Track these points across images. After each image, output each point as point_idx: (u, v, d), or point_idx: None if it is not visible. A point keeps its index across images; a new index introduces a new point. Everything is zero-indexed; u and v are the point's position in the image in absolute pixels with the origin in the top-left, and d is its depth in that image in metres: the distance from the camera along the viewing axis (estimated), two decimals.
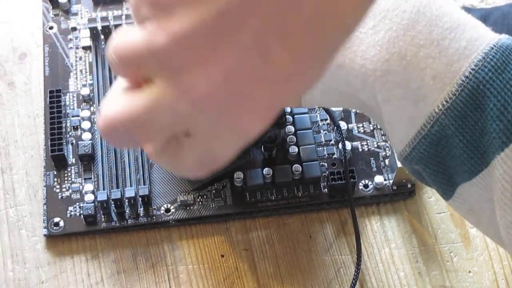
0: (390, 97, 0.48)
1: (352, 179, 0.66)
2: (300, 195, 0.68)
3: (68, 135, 0.70)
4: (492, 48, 0.46)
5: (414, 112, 0.47)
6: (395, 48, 0.47)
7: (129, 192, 0.66)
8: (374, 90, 0.49)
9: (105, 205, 0.66)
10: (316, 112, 0.71)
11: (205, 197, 0.67)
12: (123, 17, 0.76)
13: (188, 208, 0.67)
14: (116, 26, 0.74)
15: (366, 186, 0.68)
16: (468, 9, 0.99)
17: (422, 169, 0.49)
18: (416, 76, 0.47)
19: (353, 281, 0.65)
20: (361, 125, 0.71)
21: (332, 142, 0.70)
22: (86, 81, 0.73)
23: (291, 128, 0.70)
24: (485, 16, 0.96)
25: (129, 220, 0.66)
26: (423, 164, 0.49)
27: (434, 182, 0.50)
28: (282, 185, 0.68)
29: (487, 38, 0.47)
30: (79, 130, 0.70)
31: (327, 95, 0.52)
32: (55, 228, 0.66)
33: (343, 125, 0.70)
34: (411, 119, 0.48)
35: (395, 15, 0.47)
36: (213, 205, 0.67)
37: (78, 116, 0.71)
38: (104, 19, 0.75)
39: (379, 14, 0.48)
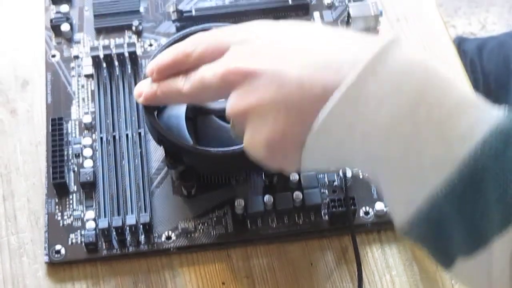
0: (390, 178, 0.50)
1: (352, 206, 0.67)
2: (301, 222, 0.68)
3: (69, 163, 0.70)
4: (492, 131, 0.46)
5: (413, 194, 0.48)
6: (395, 132, 0.48)
7: (130, 220, 0.66)
8: (373, 168, 0.50)
9: (106, 232, 0.66)
10: None
11: (206, 224, 0.67)
12: (125, 45, 0.76)
13: (189, 235, 0.67)
14: (118, 54, 0.75)
15: (367, 213, 0.68)
16: (465, 39, 1.00)
17: (421, 243, 0.51)
18: (415, 159, 0.47)
19: None
20: None
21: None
22: (88, 108, 0.73)
23: None
24: (482, 46, 0.97)
25: (130, 248, 0.66)
26: (421, 240, 0.50)
27: (433, 255, 0.51)
28: (283, 212, 0.68)
29: (486, 121, 0.47)
30: (80, 157, 0.70)
31: (327, 165, 0.55)
32: (56, 255, 0.66)
33: None
34: (411, 200, 0.49)
35: (395, 99, 0.48)
36: (214, 233, 0.67)
37: (80, 143, 0.71)
38: (106, 47, 0.76)
39: (379, 97, 0.48)
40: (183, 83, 0.58)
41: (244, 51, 0.55)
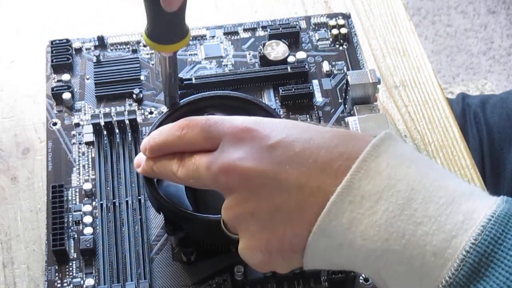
0: (394, 274, 0.50)
1: (352, 273, 0.66)
2: None
3: (70, 230, 0.70)
4: (490, 220, 0.47)
5: (419, 287, 0.48)
6: (393, 228, 0.49)
7: (130, 287, 0.66)
8: (376, 267, 0.50)
9: None
10: None
11: None
12: (126, 113, 0.77)
13: None
14: (119, 122, 0.75)
15: (366, 279, 0.68)
16: (468, 95, 1.01)
17: None
18: (416, 253, 0.48)
19: None
20: None
21: None
22: (88, 176, 0.74)
23: None
24: (485, 101, 0.98)
25: None
26: None
27: None
28: (283, 279, 0.67)
29: (484, 208, 0.48)
30: (80, 224, 0.71)
31: (329, 266, 0.56)
32: None
33: None
34: None
35: (390, 195, 0.49)
36: None
37: (80, 210, 0.71)
38: (107, 115, 0.77)
39: (374, 195, 0.49)
40: (177, 168, 0.59)
41: (239, 150, 0.55)
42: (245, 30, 0.86)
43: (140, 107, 0.79)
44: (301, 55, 0.83)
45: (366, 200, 0.49)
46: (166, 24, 0.61)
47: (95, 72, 0.81)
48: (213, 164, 0.55)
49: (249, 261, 0.56)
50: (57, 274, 0.68)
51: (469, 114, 0.97)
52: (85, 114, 0.78)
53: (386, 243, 0.49)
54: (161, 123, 0.68)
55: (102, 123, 0.76)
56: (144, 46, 0.84)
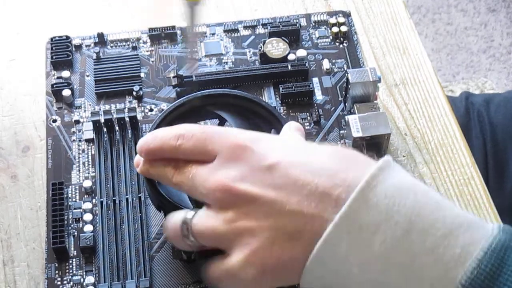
0: None
1: None
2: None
3: (70, 228, 0.70)
4: (486, 253, 0.47)
5: None
6: (390, 260, 0.49)
7: (130, 285, 0.66)
8: None
9: None
10: None
11: None
12: (126, 110, 0.77)
13: None
14: (119, 119, 0.75)
15: None
16: (472, 94, 1.01)
17: None
18: (413, 285, 0.49)
19: None
20: None
21: None
22: (88, 173, 0.74)
23: None
24: (488, 100, 0.98)
25: None
26: None
27: None
28: None
29: (480, 240, 0.48)
30: (80, 222, 0.70)
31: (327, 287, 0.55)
32: None
33: None
34: None
35: (388, 227, 0.49)
36: None
37: (80, 208, 0.71)
38: (107, 112, 0.77)
39: (372, 226, 0.49)
40: (172, 174, 0.59)
41: (235, 168, 0.55)
42: (245, 27, 0.86)
43: (140, 104, 0.79)
44: (301, 53, 0.83)
45: (364, 231, 0.49)
46: None
47: (95, 69, 0.81)
48: (209, 179, 0.55)
49: (239, 277, 0.55)
50: (57, 272, 0.68)
51: (473, 113, 0.97)
52: (85, 111, 0.78)
53: (383, 275, 0.49)
54: (161, 122, 0.67)
55: (102, 120, 0.76)
56: (144, 43, 0.84)
